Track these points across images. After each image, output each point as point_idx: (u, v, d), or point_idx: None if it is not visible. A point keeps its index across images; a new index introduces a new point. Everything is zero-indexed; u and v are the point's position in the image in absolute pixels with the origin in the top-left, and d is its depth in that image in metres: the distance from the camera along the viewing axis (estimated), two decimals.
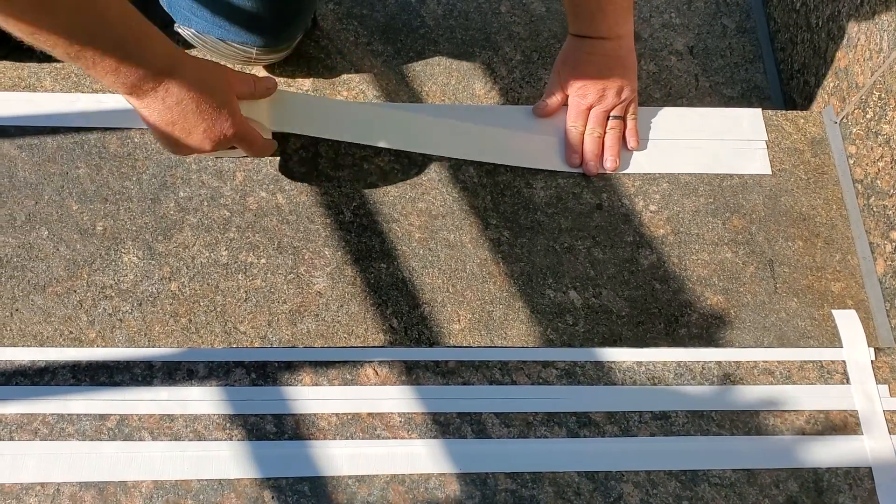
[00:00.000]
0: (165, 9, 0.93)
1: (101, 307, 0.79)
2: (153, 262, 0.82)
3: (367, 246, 0.85)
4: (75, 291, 0.80)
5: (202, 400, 0.66)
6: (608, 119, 0.91)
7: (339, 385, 0.69)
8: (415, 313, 0.82)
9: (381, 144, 0.89)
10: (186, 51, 0.80)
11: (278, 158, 0.89)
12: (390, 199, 0.88)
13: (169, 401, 0.66)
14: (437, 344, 0.80)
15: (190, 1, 0.86)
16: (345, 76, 1.02)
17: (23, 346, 0.76)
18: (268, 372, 0.69)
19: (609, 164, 0.90)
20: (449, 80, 1.05)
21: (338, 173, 0.89)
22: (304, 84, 0.99)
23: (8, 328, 0.77)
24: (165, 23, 0.90)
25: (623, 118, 0.92)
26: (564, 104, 0.93)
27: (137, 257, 0.82)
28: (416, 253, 0.85)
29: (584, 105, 0.91)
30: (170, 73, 0.69)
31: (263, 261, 0.83)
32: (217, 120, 0.73)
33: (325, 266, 0.84)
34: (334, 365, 0.70)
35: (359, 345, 0.79)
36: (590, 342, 0.81)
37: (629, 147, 0.92)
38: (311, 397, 0.67)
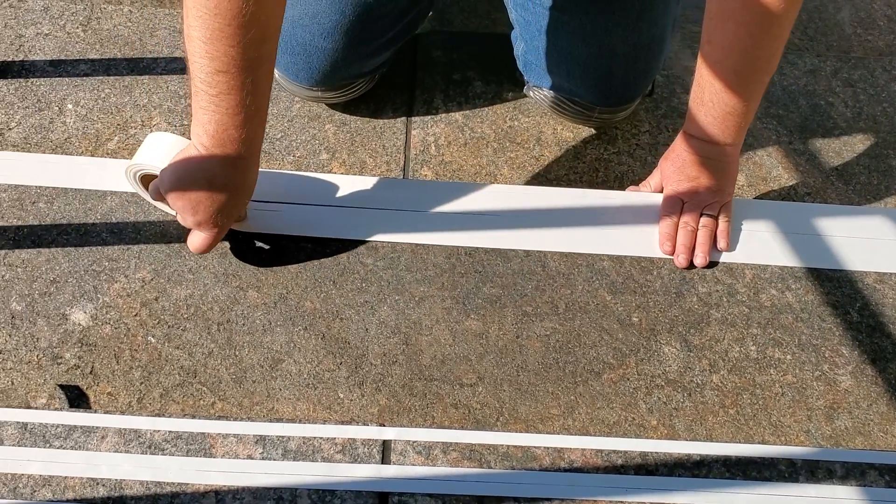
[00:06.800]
0: (521, 69, 1.07)
1: (655, 395, 0.84)
2: (691, 353, 0.87)
3: (880, 346, 0.89)
4: (628, 379, 0.85)
5: (847, 499, 0.70)
6: (701, 216, 0.93)
7: None
8: None
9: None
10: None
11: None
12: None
13: (816, 497, 0.70)
14: None
15: (547, 63, 1.01)
16: (774, 172, 1.08)
17: (594, 432, 0.81)
18: None
19: (699, 260, 0.92)
20: (870, 180, 1.10)
21: (836, 274, 0.94)
22: (740, 179, 1.05)
23: (577, 411, 0.83)
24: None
25: (715, 217, 0.94)
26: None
27: (676, 349, 0.87)
28: None
29: (676, 197, 0.94)
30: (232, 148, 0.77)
31: (790, 357, 0.87)
32: (242, 195, 0.82)
33: (845, 364, 0.88)
34: None
35: None
36: None
37: (719, 248, 0.93)
38: None
